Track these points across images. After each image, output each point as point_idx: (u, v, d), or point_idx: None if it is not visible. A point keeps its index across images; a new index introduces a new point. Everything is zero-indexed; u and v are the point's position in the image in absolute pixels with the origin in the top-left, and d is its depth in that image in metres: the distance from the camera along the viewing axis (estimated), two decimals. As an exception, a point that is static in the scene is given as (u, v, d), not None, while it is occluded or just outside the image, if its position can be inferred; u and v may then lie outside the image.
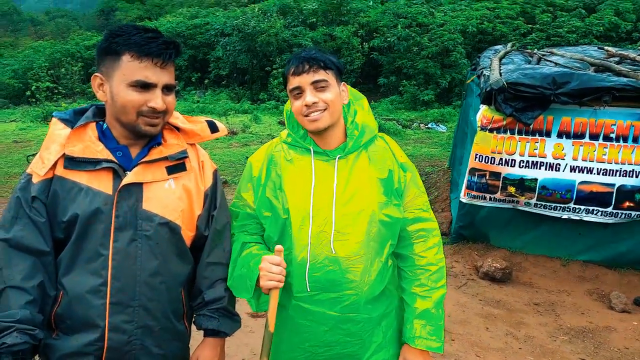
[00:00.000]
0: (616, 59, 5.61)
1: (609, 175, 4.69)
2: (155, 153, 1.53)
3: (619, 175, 4.66)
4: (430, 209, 1.87)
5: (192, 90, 23.33)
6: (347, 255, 1.68)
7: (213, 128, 1.69)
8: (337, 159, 1.72)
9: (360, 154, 1.75)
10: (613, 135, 4.65)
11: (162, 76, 1.45)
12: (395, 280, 1.88)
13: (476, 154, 5.03)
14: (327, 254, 1.68)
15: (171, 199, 1.54)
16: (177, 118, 1.64)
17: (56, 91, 22.24)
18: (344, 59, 21.80)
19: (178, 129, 1.64)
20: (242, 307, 2.30)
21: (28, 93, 21.70)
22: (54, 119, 1.53)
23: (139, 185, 1.50)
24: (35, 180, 1.46)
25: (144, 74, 1.42)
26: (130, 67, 1.42)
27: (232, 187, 8.21)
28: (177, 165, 1.57)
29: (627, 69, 4.87)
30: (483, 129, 4.93)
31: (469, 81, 6.70)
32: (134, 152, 1.54)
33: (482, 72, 5.30)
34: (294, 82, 1.66)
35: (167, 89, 1.48)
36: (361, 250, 1.69)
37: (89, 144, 1.47)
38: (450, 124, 15.98)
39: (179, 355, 1.66)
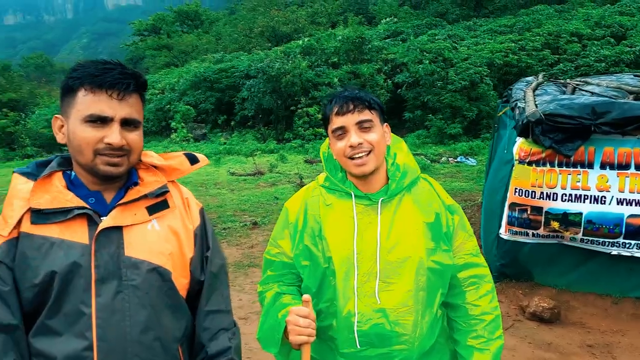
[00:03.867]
0: (655, 85, 5.42)
1: (661, 207, 4.45)
2: (132, 193, 1.39)
3: (672, 207, 4.41)
4: (480, 253, 1.75)
5: (219, 132, 23.73)
6: (394, 306, 1.56)
7: (193, 160, 1.55)
8: (380, 203, 1.61)
9: (403, 197, 1.65)
10: (661, 165, 4.43)
11: (120, 109, 1.31)
12: (445, 333, 1.75)
13: (515, 188, 4.85)
14: (373, 305, 1.56)
15: (156, 241, 1.38)
16: (152, 157, 1.50)
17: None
18: (368, 96, 21.90)
19: (156, 167, 1.50)
20: None
21: (61, 141, 22.45)
22: (14, 174, 1.39)
23: (118, 230, 1.34)
24: None
25: (98, 107, 1.29)
26: (84, 102, 1.30)
27: (262, 228, 8.14)
28: (158, 204, 1.42)
29: (670, 96, 4.69)
30: (521, 162, 4.77)
31: (500, 113, 6.58)
32: (109, 197, 1.39)
33: (515, 104, 5.17)
34: (337, 122, 1.57)
35: (128, 124, 1.33)
36: (409, 301, 1.57)
37: (57, 194, 1.32)
38: (480, 157, 15.76)
39: None
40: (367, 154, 1.56)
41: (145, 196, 1.40)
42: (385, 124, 1.66)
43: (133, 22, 57.29)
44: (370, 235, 1.59)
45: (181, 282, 1.44)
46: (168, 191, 1.46)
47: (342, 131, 1.58)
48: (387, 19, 32.66)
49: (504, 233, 5.03)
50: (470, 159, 16.06)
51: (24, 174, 1.38)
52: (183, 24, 54.74)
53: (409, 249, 1.59)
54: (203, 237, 1.52)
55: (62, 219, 1.31)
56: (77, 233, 1.31)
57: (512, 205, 4.89)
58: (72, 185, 1.38)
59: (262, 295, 1.73)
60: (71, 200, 1.33)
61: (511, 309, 4.85)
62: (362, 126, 1.56)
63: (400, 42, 26.53)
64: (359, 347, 1.58)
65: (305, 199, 1.70)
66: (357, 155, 1.56)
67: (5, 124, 24.39)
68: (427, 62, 20.92)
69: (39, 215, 1.31)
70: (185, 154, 1.55)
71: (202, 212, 1.56)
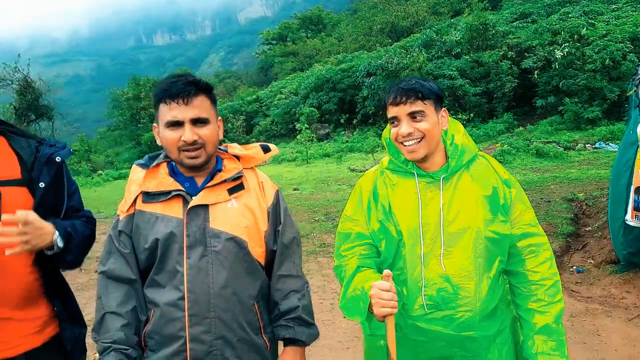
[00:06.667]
0: None
1: None
2: (216, 178, 1.70)
3: None
4: (538, 224, 1.83)
5: (342, 131, 24.36)
6: (456, 272, 1.71)
7: (265, 149, 1.85)
8: (441, 180, 1.76)
9: (462, 174, 1.78)
10: None
11: (187, 112, 1.60)
12: (506, 299, 1.85)
13: (641, 171, 4.46)
14: (438, 271, 1.72)
15: (234, 216, 1.69)
16: (235, 148, 1.82)
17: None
18: (493, 84, 20.95)
19: (238, 157, 1.81)
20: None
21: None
22: (133, 166, 1.77)
23: (205, 208, 1.66)
24: (121, 217, 1.69)
25: (171, 114, 1.61)
26: (163, 111, 1.63)
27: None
28: (236, 186, 1.73)
29: None
30: (646, 142, 4.38)
31: (630, 93, 6.02)
32: (200, 181, 1.72)
33: (639, 81, 4.75)
34: (391, 111, 1.73)
35: (197, 122, 1.63)
36: (469, 267, 1.71)
37: (162, 180, 1.69)
38: (622, 141, 14.28)
39: None
40: (419, 142, 1.71)
41: (225, 180, 1.71)
42: (443, 109, 1.78)
43: (262, 33, 60.91)
44: (433, 209, 1.75)
45: (257, 251, 1.74)
46: (242, 175, 1.76)
47: (395, 120, 1.75)
48: (513, 1, 30.79)
49: (630, 219, 4.64)
50: (610, 144, 14.63)
51: (140, 165, 1.77)
52: (307, 29, 56.90)
53: (468, 220, 1.72)
54: (276, 214, 1.80)
55: (164, 198, 1.67)
56: (174, 209, 1.66)
57: (638, 190, 4.51)
58: (174, 172, 1.74)
59: (339, 268, 1.90)
60: (171, 184, 1.68)
61: (639, 300, 4.47)
62: (414, 116, 1.71)
63: (530, 24, 24.87)
64: (426, 310, 1.73)
65: (375, 180, 1.88)
66: (407, 143, 1.72)
67: (153, 135, 27.57)
68: (561, 42, 19.34)
69: (148, 196, 1.68)
70: (260, 145, 1.86)
71: (277, 193, 1.83)
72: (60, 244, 1.63)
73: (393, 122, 1.75)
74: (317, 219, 8.61)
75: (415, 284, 1.74)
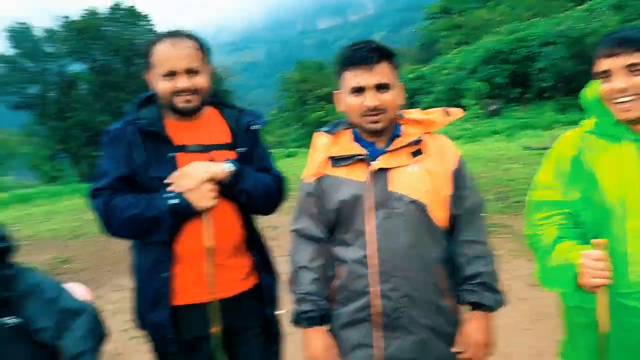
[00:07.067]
0: None
1: None
2: (395, 143, 1.75)
3: None
4: None
5: (513, 106, 22.72)
6: None
7: (448, 113, 1.84)
8: None
9: None
10: None
11: (371, 78, 1.67)
12: None
13: None
14: None
15: (415, 180, 1.71)
16: (412, 113, 1.85)
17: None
18: None
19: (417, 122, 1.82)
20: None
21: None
22: (317, 133, 1.87)
23: (385, 171, 1.72)
24: (309, 181, 1.81)
25: (355, 80, 1.68)
26: (347, 78, 1.72)
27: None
28: (416, 151, 1.75)
29: None
30: None
31: None
32: (380, 146, 1.78)
33: None
34: (603, 64, 1.54)
35: (380, 87, 1.68)
36: None
37: (345, 145, 1.78)
38: None
39: (446, 331, 1.76)
40: (635, 99, 1.50)
41: (405, 145, 1.75)
42: None
43: (427, 7, 59.44)
44: None
45: (438, 215, 1.74)
46: (421, 140, 1.77)
47: (606, 75, 1.54)
48: None
49: None
50: None
51: (325, 131, 1.88)
52: (474, -1, 53.77)
53: None
54: (459, 179, 1.78)
55: (347, 163, 1.76)
56: (357, 173, 1.74)
57: None
58: (357, 138, 1.82)
59: (534, 237, 1.75)
60: (355, 149, 1.77)
61: None
62: (631, 69, 1.50)
63: None
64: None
65: (577, 145, 1.70)
66: (621, 100, 1.51)
67: (321, 115, 28.89)
68: None
69: (334, 161, 1.78)
70: (442, 109, 1.87)
71: (460, 159, 1.81)
72: (229, 168, 1.83)
73: (604, 77, 1.55)
74: (486, 198, 8.18)
75: (623, 259, 1.54)
